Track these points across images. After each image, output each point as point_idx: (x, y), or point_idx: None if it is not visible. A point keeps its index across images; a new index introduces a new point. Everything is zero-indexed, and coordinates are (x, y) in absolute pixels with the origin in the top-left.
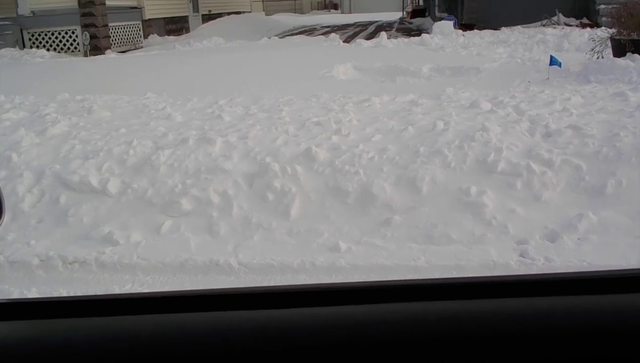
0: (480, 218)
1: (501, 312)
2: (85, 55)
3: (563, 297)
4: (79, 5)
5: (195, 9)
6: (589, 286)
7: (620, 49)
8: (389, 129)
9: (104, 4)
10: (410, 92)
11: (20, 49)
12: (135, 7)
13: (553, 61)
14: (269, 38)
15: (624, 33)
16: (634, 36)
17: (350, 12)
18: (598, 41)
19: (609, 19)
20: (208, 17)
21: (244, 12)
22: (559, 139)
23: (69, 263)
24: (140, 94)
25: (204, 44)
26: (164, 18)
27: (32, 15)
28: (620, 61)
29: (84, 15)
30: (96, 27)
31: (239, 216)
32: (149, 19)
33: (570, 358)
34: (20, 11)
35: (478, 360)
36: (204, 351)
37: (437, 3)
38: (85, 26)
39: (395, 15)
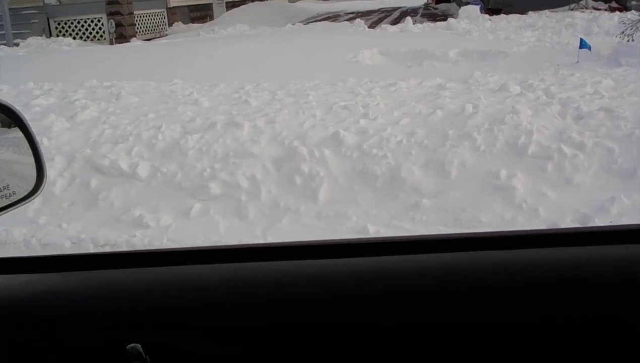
0: (511, 202)
1: (498, 263)
2: (111, 43)
3: (552, 248)
4: None
5: None
6: (581, 239)
7: None
8: (416, 112)
9: None
10: (437, 76)
11: (47, 37)
12: None
13: (583, 44)
14: (293, 24)
15: None
16: None
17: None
18: (629, 24)
19: (639, 2)
20: (232, 5)
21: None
22: (590, 122)
23: (101, 246)
24: (167, 80)
25: (228, 31)
26: (189, 6)
27: (58, 3)
28: None
29: (109, 3)
30: (122, 15)
31: (267, 200)
32: (174, 7)
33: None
34: (47, 0)
35: (476, 308)
36: (211, 301)
37: None
38: (111, 14)
39: (419, 1)
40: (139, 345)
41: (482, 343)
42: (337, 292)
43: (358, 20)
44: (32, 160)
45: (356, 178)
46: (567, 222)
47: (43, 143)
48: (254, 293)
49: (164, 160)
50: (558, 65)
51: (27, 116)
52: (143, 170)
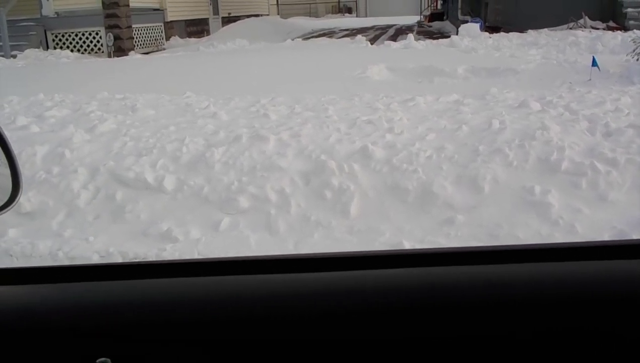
0: (547, 218)
1: (495, 277)
2: (109, 56)
3: (547, 263)
4: (103, 7)
5: (216, 11)
6: (577, 254)
7: None
8: (441, 128)
9: (128, 5)
10: (450, 92)
11: (44, 49)
12: (158, 9)
13: (595, 63)
14: (292, 40)
15: None
16: None
17: (365, 16)
18: (639, 43)
19: (638, 22)
20: (227, 20)
21: (261, 15)
22: (620, 138)
23: (130, 260)
24: (178, 93)
25: (227, 46)
26: (185, 20)
27: (56, 16)
28: None
29: (108, 16)
30: (120, 28)
31: (297, 214)
32: (171, 21)
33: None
34: (45, 12)
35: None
36: (206, 314)
37: (459, 6)
38: (109, 27)
39: (411, 19)
40: (108, 360)
41: (469, 358)
42: (325, 306)
43: (359, 36)
44: (8, 171)
45: (387, 193)
46: (606, 238)
47: (65, 155)
48: (237, 307)
49: (189, 173)
50: (570, 83)
51: (43, 127)
52: (169, 183)
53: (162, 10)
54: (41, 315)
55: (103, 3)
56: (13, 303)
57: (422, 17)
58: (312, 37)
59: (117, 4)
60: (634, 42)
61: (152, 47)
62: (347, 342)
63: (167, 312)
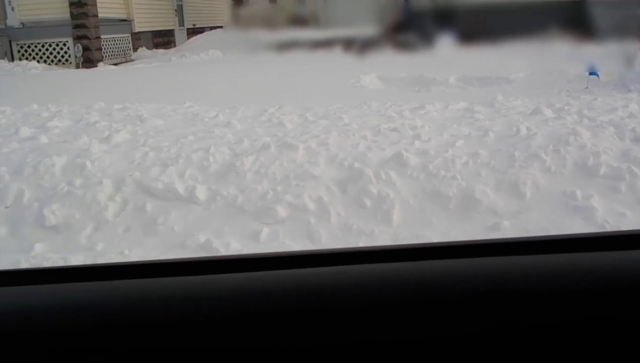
0: (592, 222)
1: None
2: (77, 67)
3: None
4: (71, 17)
5: (181, 22)
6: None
7: None
8: (466, 134)
9: (97, 16)
10: (451, 100)
11: (9, 60)
12: (125, 20)
13: (592, 72)
14: (267, 51)
15: None
16: None
17: (322, 27)
18: (629, 52)
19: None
20: (192, 31)
21: (223, 27)
22: None
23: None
24: (176, 103)
25: (201, 57)
26: (152, 31)
27: (21, 26)
28: None
29: (76, 27)
30: (89, 39)
31: (338, 222)
32: (138, 32)
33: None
34: (10, 22)
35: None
36: (205, 312)
37: (425, 17)
38: (77, 38)
39: (371, 30)
40: None
41: (464, 351)
42: (318, 300)
43: (337, 48)
44: None
45: (427, 199)
46: None
47: (86, 166)
48: (233, 304)
49: (220, 182)
50: (568, 90)
51: (52, 138)
52: (201, 194)
53: (129, 21)
54: (35, 316)
55: (71, 13)
56: (6, 304)
57: (384, 27)
58: (284, 47)
59: (86, 15)
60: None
61: (120, 58)
62: (343, 335)
63: (165, 311)
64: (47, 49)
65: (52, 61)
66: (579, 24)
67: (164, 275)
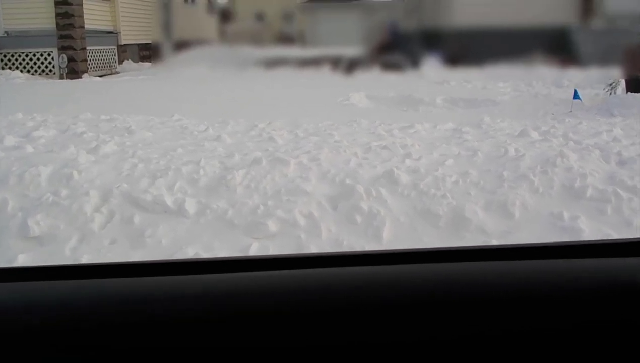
0: None
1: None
2: (61, 78)
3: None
4: (57, 28)
5: (168, 36)
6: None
7: (635, 86)
8: (455, 154)
9: (83, 27)
10: (438, 120)
11: None
12: (112, 32)
13: (576, 96)
14: (254, 68)
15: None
16: None
17: (308, 46)
18: (613, 78)
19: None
20: (179, 46)
21: (209, 42)
22: (634, 166)
23: None
24: (164, 115)
25: (188, 71)
26: (139, 44)
27: (5, 35)
28: None
29: (62, 37)
30: (74, 50)
31: (328, 238)
32: (125, 45)
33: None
34: None
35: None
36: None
37: (411, 39)
38: (62, 49)
39: (358, 50)
40: None
41: (458, 354)
42: (314, 301)
43: (326, 67)
44: None
45: (418, 217)
46: None
47: (73, 176)
48: (228, 304)
49: (210, 196)
50: (553, 114)
51: (37, 147)
52: (191, 207)
53: (116, 33)
54: (29, 313)
55: (57, 24)
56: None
57: (370, 48)
58: (272, 64)
59: (72, 26)
60: (608, 77)
61: (105, 70)
62: (339, 335)
63: (159, 310)
64: (31, 59)
65: (36, 71)
66: (563, 50)
67: (163, 275)
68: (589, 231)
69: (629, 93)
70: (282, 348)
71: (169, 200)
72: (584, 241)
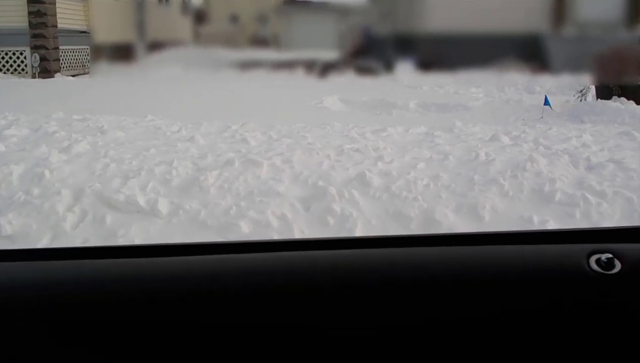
0: None
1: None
2: (33, 77)
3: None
4: (29, 27)
5: (141, 37)
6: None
7: (605, 93)
8: (427, 157)
9: (56, 26)
10: (411, 124)
11: None
12: (85, 32)
13: (546, 102)
14: (229, 70)
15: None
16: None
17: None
18: (583, 85)
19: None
20: (152, 46)
21: (183, 43)
22: (603, 172)
23: None
24: (137, 116)
25: (161, 72)
26: (112, 44)
27: None
28: (611, 103)
29: (34, 36)
30: (47, 49)
31: None
32: (98, 44)
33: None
34: None
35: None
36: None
37: (385, 43)
38: (35, 48)
39: (331, 54)
40: None
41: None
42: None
43: (299, 69)
44: None
45: (389, 219)
46: None
47: (45, 175)
48: (215, 286)
49: (183, 196)
50: (524, 119)
51: (9, 146)
52: (163, 207)
53: (89, 33)
54: (22, 292)
55: (30, 23)
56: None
57: (344, 52)
58: (246, 66)
59: (44, 25)
60: (579, 84)
61: (78, 70)
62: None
63: (146, 291)
64: (3, 58)
65: (8, 70)
66: (534, 56)
67: (145, 257)
68: None
69: (599, 100)
70: (273, 324)
71: (141, 201)
72: (535, 230)
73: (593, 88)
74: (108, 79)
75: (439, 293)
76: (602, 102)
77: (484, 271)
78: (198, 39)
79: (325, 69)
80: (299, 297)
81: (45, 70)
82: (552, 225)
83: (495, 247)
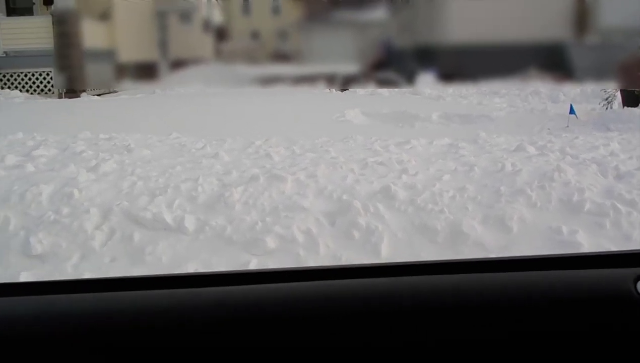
0: None
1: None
2: (60, 97)
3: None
4: (55, 47)
5: (164, 55)
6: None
7: (631, 100)
8: (452, 169)
9: (81, 46)
10: (434, 136)
11: None
12: (109, 51)
13: (572, 111)
14: (251, 85)
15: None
16: None
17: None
18: (609, 93)
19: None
20: (174, 64)
21: (205, 60)
22: (632, 180)
23: None
24: (163, 133)
25: (185, 90)
26: (136, 63)
27: (4, 55)
28: (638, 111)
29: (60, 57)
30: (72, 69)
31: (327, 254)
32: (121, 63)
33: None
34: None
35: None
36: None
37: (405, 55)
38: (61, 68)
39: (351, 67)
40: None
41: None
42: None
43: (321, 84)
44: None
45: (416, 232)
46: None
47: (74, 195)
48: (226, 315)
49: (209, 213)
50: (549, 129)
51: (38, 166)
52: (189, 224)
53: (113, 52)
54: (30, 326)
55: (55, 43)
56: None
57: (365, 65)
58: (267, 82)
59: (70, 45)
60: (604, 91)
61: (103, 89)
62: (337, 345)
63: (155, 323)
64: (30, 79)
65: (35, 90)
66: (557, 65)
67: (154, 289)
68: (588, 245)
69: (625, 107)
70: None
71: (168, 218)
72: (579, 253)
73: (619, 96)
74: (132, 97)
75: (476, 321)
76: (628, 110)
77: (529, 297)
78: (220, 56)
79: (346, 82)
80: (305, 324)
81: (71, 90)
82: (581, 235)
83: (536, 273)
